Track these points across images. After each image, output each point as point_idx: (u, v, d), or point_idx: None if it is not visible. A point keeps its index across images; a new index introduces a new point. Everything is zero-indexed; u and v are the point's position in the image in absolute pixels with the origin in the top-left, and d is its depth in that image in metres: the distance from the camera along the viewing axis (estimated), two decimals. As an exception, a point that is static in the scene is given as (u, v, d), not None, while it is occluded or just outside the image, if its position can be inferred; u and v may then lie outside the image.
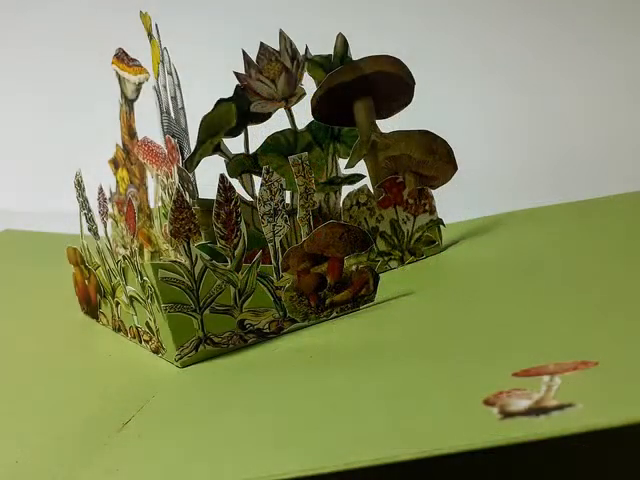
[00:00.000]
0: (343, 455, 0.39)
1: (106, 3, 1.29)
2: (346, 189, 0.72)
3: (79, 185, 0.66)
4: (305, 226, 0.61)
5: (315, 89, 0.68)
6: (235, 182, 0.67)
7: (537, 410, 0.38)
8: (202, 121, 0.63)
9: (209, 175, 0.63)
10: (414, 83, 0.71)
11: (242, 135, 0.67)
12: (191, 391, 0.55)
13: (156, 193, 0.72)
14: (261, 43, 0.64)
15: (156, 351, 0.61)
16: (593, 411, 0.37)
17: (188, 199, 0.59)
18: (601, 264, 0.63)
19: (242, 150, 0.67)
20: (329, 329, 0.61)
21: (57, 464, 0.46)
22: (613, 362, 0.43)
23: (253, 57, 0.66)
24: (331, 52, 0.69)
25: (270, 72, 0.65)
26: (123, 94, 0.74)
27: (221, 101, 0.64)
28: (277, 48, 0.66)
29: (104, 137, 0.79)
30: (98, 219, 0.66)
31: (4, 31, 1.38)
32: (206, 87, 0.68)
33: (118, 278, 0.63)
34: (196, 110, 0.66)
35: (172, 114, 0.65)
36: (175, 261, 0.57)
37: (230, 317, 0.59)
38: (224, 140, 0.66)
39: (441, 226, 0.74)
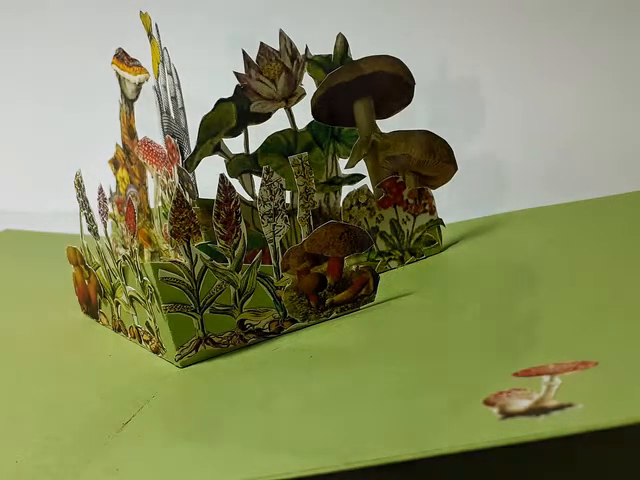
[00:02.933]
0: (343, 455, 0.39)
1: (106, 2, 1.29)
2: (346, 189, 0.72)
3: (79, 185, 0.66)
4: (305, 226, 0.61)
5: (315, 89, 0.68)
6: (235, 182, 0.67)
7: (537, 410, 0.38)
8: (202, 121, 0.63)
9: (209, 175, 0.63)
10: (414, 83, 0.71)
11: (242, 135, 0.67)
12: (191, 391, 0.55)
13: (156, 193, 0.72)
14: (261, 43, 0.64)
15: (156, 351, 0.61)
16: (593, 411, 0.37)
17: (188, 199, 0.59)
18: (601, 264, 0.63)
19: (242, 150, 0.67)
20: (329, 329, 0.61)
21: (57, 464, 0.46)
22: (613, 362, 0.43)
23: (253, 57, 0.66)
24: (331, 52, 0.69)
25: (270, 72, 0.65)
26: (123, 94, 0.74)
27: (221, 101, 0.64)
28: (277, 48, 0.66)
29: (104, 137, 0.79)
30: (98, 219, 0.66)
31: (3, 31, 1.38)
32: (206, 87, 0.68)
33: (118, 278, 0.63)
34: (196, 110, 0.67)
35: (172, 114, 0.65)
36: (175, 261, 0.57)
37: (230, 317, 0.59)
38: (224, 140, 0.66)
39: (441, 226, 0.74)
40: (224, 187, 0.58)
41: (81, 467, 0.45)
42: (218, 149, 0.65)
